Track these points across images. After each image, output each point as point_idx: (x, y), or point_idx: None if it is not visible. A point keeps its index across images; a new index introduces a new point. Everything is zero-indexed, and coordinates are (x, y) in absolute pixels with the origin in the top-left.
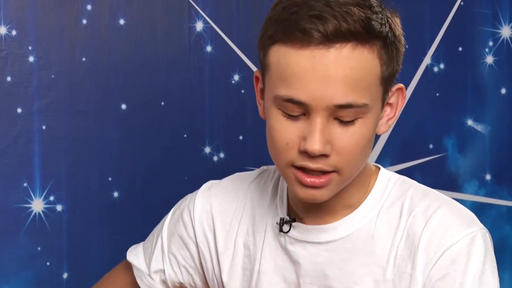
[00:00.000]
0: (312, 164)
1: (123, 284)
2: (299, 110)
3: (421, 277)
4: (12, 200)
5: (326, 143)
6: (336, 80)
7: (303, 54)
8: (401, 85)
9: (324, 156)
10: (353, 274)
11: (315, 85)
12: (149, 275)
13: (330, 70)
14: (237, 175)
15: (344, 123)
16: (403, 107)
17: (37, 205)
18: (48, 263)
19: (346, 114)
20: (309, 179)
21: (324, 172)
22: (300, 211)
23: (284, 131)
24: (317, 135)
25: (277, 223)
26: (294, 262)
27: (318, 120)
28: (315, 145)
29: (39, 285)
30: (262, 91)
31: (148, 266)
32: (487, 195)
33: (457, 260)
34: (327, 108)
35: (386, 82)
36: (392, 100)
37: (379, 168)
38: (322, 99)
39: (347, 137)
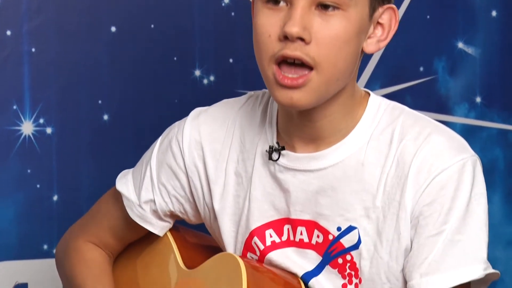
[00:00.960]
0: (290, 52)
1: (115, 216)
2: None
3: (410, 203)
4: (2, 122)
5: (304, 28)
6: None
7: None
8: (393, 5)
9: (302, 42)
10: (344, 201)
11: None
12: (140, 206)
13: None
14: (224, 101)
15: (324, 11)
16: (395, 31)
17: (27, 128)
18: (38, 186)
19: (328, 1)
20: (286, 80)
21: (302, 67)
22: (289, 138)
23: (267, 24)
24: (296, 17)
25: (266, 151)
26: (284, 190)
27: (300, 4)
28: (293, 27)
29: (29, 207)
30: None
31: (138, 197)
32: (477, 117)
33: (446, 186)
34: None
35: None
36: (383, 20)
37: (369, 94)
38: None
39: (327, 28)
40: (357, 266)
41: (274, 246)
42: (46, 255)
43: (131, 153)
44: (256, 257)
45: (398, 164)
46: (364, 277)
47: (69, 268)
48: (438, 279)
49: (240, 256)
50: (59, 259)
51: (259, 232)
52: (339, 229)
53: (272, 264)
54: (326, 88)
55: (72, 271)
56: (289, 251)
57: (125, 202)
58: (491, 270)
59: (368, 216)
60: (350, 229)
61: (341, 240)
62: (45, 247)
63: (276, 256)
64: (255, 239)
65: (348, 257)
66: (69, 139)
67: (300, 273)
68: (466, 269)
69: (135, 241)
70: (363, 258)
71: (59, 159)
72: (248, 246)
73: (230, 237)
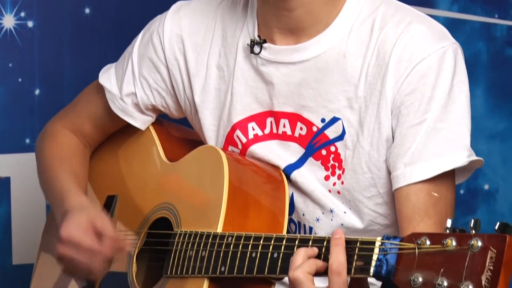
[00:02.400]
0: None
1: (96, 107)
2: None
3: (391, 93)
4: None
5: None
6: None
7: None
8: None
9: None
10: (327, 93)
11: None
12: (121, 99)
13: None
14: None
15: None
16: None
17: (8, 21)
18: (20, 80)
19: None
20: None
21: None
22: (269, 30)
23: None
24: None
25: (247, 44)
26: (267, 83)
27: None
28: None
29: (11, 101)
30: None
31: (120, 90)
32: (460, 10)
33: (427, 74)
34: None
35: None
36: None
37: None
38: None
39: None
40: (341, 157)
41: (257, 139)
42: (28, 149)
43: (113, 46)
44: (238, 151)
45: (379, 54)
46: (347, 167)
47: (43, 149)
48: (422, 167)
49: (221, 149)
50: (37, 145)
51: (242, 125)
52: (323, 120)
53: (254, 157)
54: None
55: (44, 152)
56: (272, 144)
57: (107, 95)
58: (474, 157)
59: (351, 107)
60: (334, 120)
61: (326, 132)
62: (27, 141)
63: (258, 149)
64: (237, 132)
65: (333, 148)
66: (50, 33)
67: (283, 165)
68: (449, 156)
69: (117, 134)
70: (348, 149)
71: (41, 52)
72: (229, 140)
73: (211, 131)
